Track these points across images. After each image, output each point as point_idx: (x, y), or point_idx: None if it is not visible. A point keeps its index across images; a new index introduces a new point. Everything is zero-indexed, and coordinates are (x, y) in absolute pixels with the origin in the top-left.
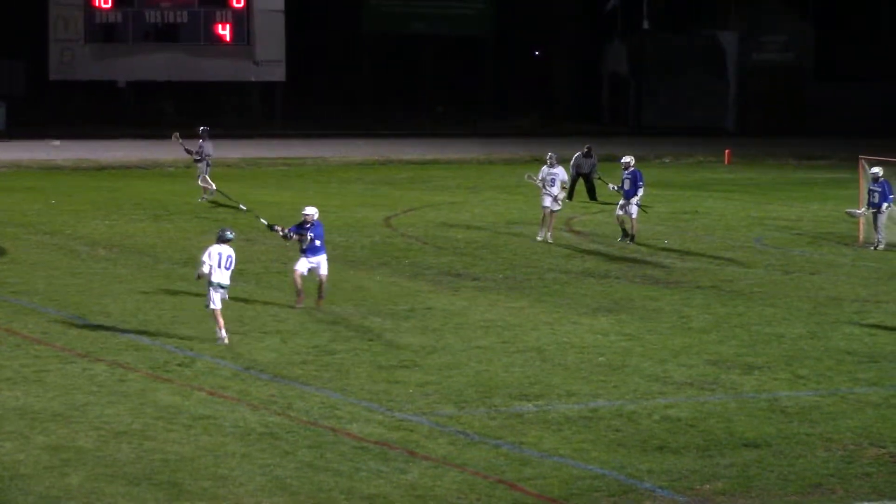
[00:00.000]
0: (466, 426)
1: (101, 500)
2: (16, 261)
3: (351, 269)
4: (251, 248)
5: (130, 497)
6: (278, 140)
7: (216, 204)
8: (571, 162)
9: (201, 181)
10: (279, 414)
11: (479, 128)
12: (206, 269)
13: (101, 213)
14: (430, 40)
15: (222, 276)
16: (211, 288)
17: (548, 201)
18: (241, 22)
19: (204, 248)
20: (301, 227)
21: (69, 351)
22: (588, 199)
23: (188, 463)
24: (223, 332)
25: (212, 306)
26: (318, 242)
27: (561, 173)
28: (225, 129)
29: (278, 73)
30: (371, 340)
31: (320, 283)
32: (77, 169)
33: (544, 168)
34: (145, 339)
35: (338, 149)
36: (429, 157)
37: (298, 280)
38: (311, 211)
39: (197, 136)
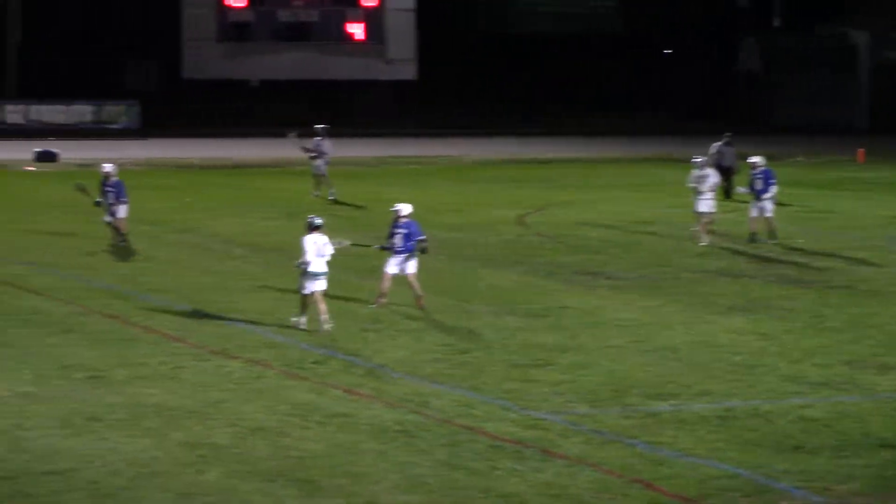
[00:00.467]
0: (601, 425)
1: (237, 497)
2: (151, 259)
3: (484, 268)
4: None
5: (266, 494)
6: (409, 139)
7: (337, 202)
8: (711, 152)
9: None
10: (414, 412)
11: (608, 126)
12: (308, 259)
13: (235, 211)
14: (559, 39)
15: (316, 265)
16: (307, 276)
17: (701, 206)
18: (373, 21)
19: (300, 239)
20: (394, 227)
21: (204, 348)
22: (723, 198)
23: (323, 460)
24: (322, 318)
25: (304, 291)
26: (406, 241)
27: (712, 175)
28: (356, 128)
29: (409, 72)
30: (505, 339)
31: (412, 285)
32: (210, 167)
33: (694, 172)
34: (280, 337)
35: (469, 147)
36: (560, 155)
37: (388, 282)
38: (401, 207)
39: (316, 135)
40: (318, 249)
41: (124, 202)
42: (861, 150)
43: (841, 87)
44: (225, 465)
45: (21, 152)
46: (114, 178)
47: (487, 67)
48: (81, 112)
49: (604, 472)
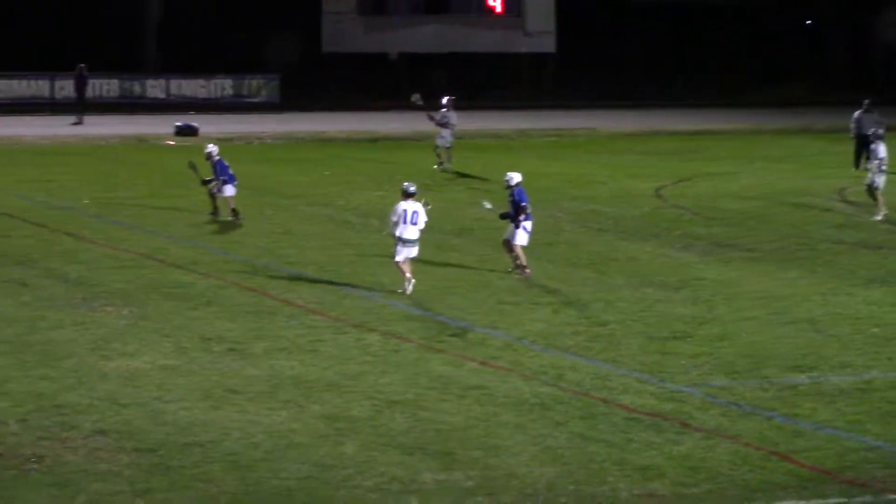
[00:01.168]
0: (739, 397)
1: (375, 469)
2: (290, 232)
3: (622, 241)
4: None
5: (404, 466)
6: (549, 111)
7: (459, 174)
8: (852, 122)
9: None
10: (550, 385)
11: (748, 97)
12: (394, 224)
13: (374, 184)
14: (701, 8)
15: (409, 232)
16: (399, 243)
17: (871, 179)
18: None
19: (393, 206)
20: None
21: (343, 321)
22: (855, 168)
23: (461, 433)
24: (407, 285)
25: (397, 258)
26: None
27: (880, 150)
28: (495, 101)
29: (548, 44)
30: (642, 311)
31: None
32: (350, 140)
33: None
34: (418, 311)
35: (608, 119)
36: (699, 127)
37: (521, 254)
38: (512, 175)
39: (442, 106)
40: (408, 217)
41: (226, 181)
42: None
43: None
44: (362, 438)
45: (162, 126)
46: (216, 158)
47: (628, 39)
48: (222, 86)
49: (741, 444)
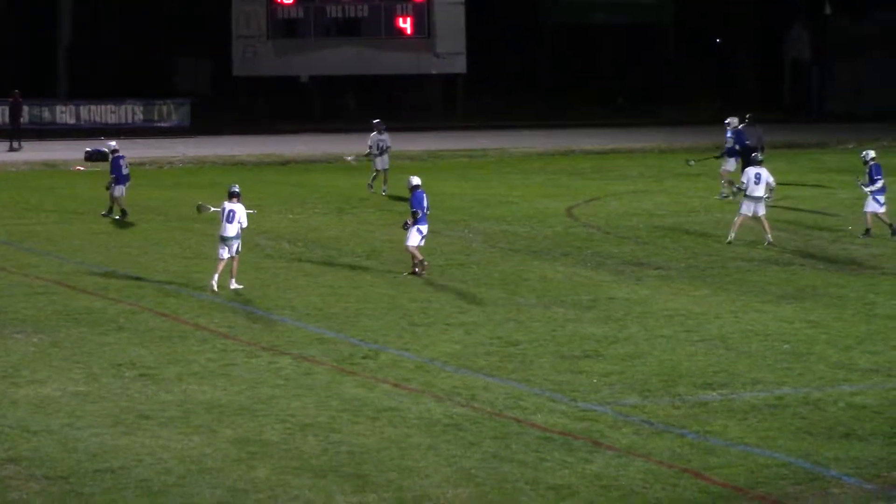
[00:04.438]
0: (651, 415)
1: (288, 493)
2: (201, 256)
3: (534, 260)
4: (435, 241)
5: (317, 489)
6: (460, 132)
7: (395, 197)
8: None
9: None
10: (463, 405)
11: (659, 116)
12: (215, 211)
13: (285, 207)
14: (609, 30)
15: (228, 230)
16: (220, 241)
17: (750, 206)
18: (422, 15)
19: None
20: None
21: (255, 345)
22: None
23: (374, 455)
24: (213, 281)
25: (219, 257)
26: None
27: (765, 174)
28: (407, 122)
29: (459, 66)
30: (554, 331)
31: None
32: (260, 164)
33: (748, 169)
34: (330, 333)
35: (519, 140)
36: (610, 146)
37: (415, 253)
38: (410, 179)
39: (374, 130)
40: (227, 215)
41: (117, 179)
42: None
43: (892, 72)
44: (275, 462)
45: (72, 152)
46: (114, 156)
47: (539, 59)
48: (132, 111)
49: (654, 462)
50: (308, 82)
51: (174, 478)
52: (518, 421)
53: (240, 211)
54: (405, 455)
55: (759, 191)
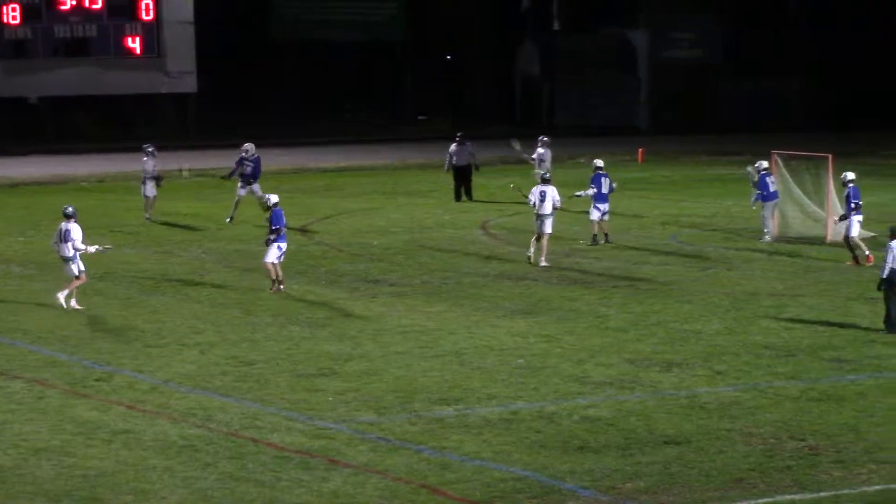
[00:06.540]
0: (387, 432)
1: None
2: None
3: (268, 279)
4: (168, 261)
5: None
6: (194, 151)
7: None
8: (447, 156)
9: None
10: (199, 426)
11: (396, 133)
12: (53, 241)
13: (17, 229)
14: (345, 46)
15: (63, 249)
16: (62, 262)
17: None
18: (151, 34)
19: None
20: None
21: None
22: (463, 198)
23: (109, 478)
24: (65, 293)
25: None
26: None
27: (551, 191)
28: (139, 142)
29: (190, 84)
30: (289, 350)
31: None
32: None
33: (535, 188)
34: (63, 356)
35: None
36: (345, 163)
37: (271, 269)
38: (269, 197)
39: (145, 154)
40: (63, 235)
41: None
42: (641, 150)
43: (621, 88)
44: (7, 487)
45: None
46: None
47: (271, 77)
48: None
49: (391, 479)
50: (38, 103)
51: None
52: (254, 441)
53: (72, 229)
54: (141, 477)
55: (546, 209)
